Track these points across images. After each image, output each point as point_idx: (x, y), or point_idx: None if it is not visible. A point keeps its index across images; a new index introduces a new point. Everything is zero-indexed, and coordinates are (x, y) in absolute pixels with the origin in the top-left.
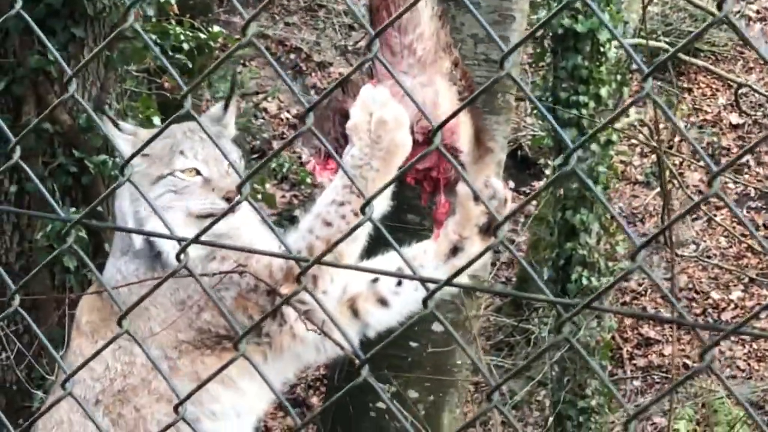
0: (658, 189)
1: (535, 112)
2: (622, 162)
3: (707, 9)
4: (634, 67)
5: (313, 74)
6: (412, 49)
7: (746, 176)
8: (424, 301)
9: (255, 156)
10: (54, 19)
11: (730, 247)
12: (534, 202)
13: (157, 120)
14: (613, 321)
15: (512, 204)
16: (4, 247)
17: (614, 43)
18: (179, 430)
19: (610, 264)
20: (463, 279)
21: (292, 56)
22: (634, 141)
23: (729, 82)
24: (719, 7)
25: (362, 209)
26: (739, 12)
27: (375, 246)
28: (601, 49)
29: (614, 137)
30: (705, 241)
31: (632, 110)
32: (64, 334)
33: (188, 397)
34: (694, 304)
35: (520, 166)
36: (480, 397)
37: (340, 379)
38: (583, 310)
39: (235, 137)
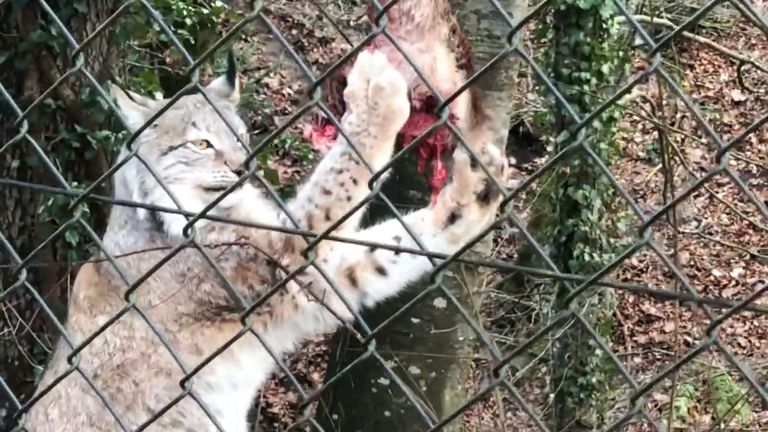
0: (660, 166)
1: (537, 88)
2: (623, 139)
3: None
4: (636, 43)
5: (315, 50)
6: (410, 16)
7: (748, 153)
8: (432, 277)
9: (257, 132)
10: None
11: (732, 224)
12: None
13: (159, 95)
14: (614, 298)
15: (510, 173)
16: (6, 221)
17: (617, 19)
18: (176, 403)
19: (612, 240)
20: (465, 255)
21: (294, 32)
22: (636, 118)
23: (731, 58)
24: None
25: (370, 184)
26: None
27: (372, 214)
28: (604, 26)
29: (616, 114)
30: (707, 218)
31: (635, 87)
32: (66, 309)
33: (195, 371)
34: (695, 281)
35: (522, 143)
36: (482, 373)
37: (342, 354)
38: (590, 286)
39: (238, 112)
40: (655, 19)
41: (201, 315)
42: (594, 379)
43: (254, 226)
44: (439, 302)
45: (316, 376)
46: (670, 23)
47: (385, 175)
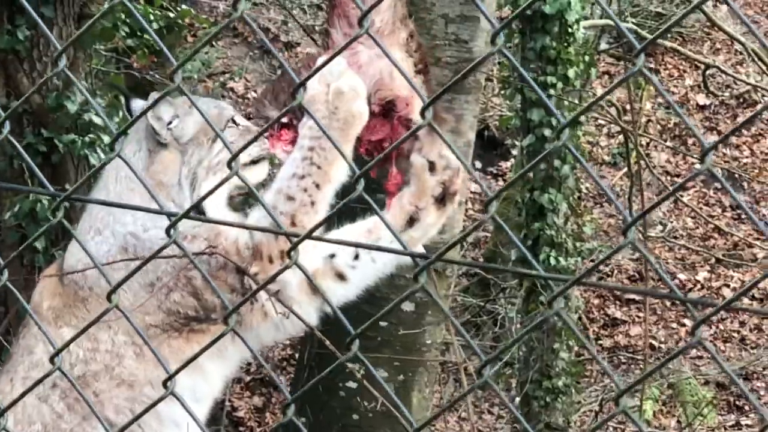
0: (626, 169)
1: (503, 92)
2: (589, 143)
3: None
4: (602, 47)
5: (280, 54)
6: (370, 21)
7: (714, 157)
8: (415, 276)
9: None
10: None
11: (697, 227)
12: (500, 183)
13: (124, 99)
14: (579, 301)
15: (466, 176)
16: None
17: (582, 24)
18: (134, 412)
19: (578, 244)
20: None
21: (259, 37)
22: (601, 121)
23: (696, 63)
24: None
25: (353, 184)
26: None
27: (329, 222)
28: (569, 30)
29: (581, 117)
30: (672, 222)
31: (599, 90)
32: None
33: (177, 372)
34: (660, 285)
35: (487, 147)
36: (447, 377)
37: (310, 358)
38: (575, 285)
39: None
40: (621, 23)
41: (169, 326)
42: (560, 383)
43: (230, 224)
44: (407, 305)
45: (282, 379)
46: (635, 27)
47: (344, 178)
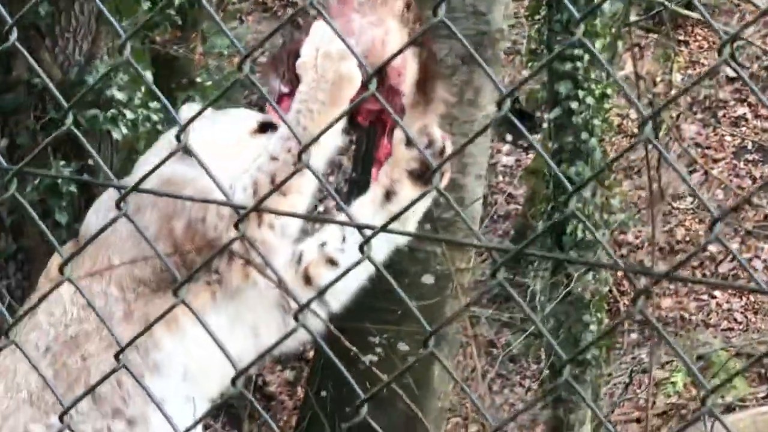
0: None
1: (530, 65)
2: (618, 115)
3: None
4: (631, 20)
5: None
6: None
7: (744, 129)
8: (361, 247)
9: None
10: None
11: (727, 200)
12: (530, 155)
13: (148, 75)
14: (608, 274)
15: (451, 151)
16: None
17: None
18: (119, 381)
19: (606, 216)
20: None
21: (290, 10)
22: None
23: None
24: None
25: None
26: None
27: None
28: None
29: (609, 90)
30: (702, 194)
31: (628, 62)
32: None
33: (133, 341)
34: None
35: (518, 120)
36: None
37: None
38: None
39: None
40: None
41: (156, 284)
42: (588, 355)
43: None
44: (427, 278)
45: (312, 354)
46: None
47: (338, 142)
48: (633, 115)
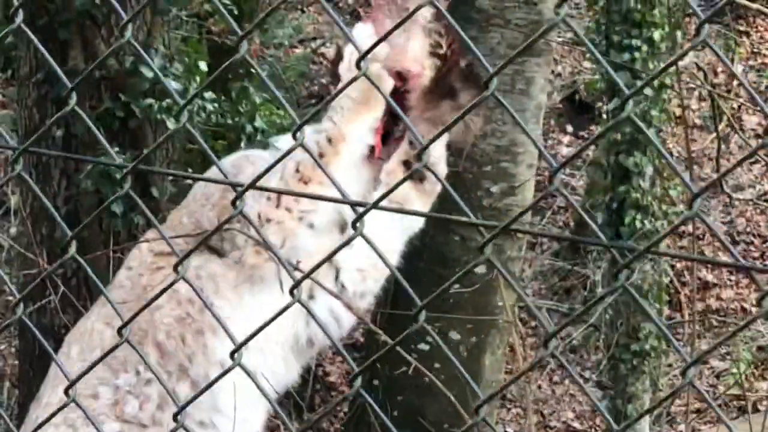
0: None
1: (589, 56)
2: (679, 106)
3: None
4: (690, 10)
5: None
6: None
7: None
8: (353, 224)
9: (313, 101)
10: None
11: None
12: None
13: (203, 65)
14: (666, 264)
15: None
16: (52, 191)
17: None
18: (182, 336)
19: (665, 207)
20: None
21: (351, 1)
22: (691, 85)
23: None
24: None
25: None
26: None
27: None
28: None
29: (667, 80)
30: (763, 185)
31: (689, 53)
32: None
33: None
34: (752, 248)
35: (579, 110)
36: (534, 339)
37: (382, 320)
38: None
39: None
40: None
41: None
42: (647, 346)
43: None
44: (479, 267)
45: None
46: None
47: (368, 141)
48: (694, 105)
